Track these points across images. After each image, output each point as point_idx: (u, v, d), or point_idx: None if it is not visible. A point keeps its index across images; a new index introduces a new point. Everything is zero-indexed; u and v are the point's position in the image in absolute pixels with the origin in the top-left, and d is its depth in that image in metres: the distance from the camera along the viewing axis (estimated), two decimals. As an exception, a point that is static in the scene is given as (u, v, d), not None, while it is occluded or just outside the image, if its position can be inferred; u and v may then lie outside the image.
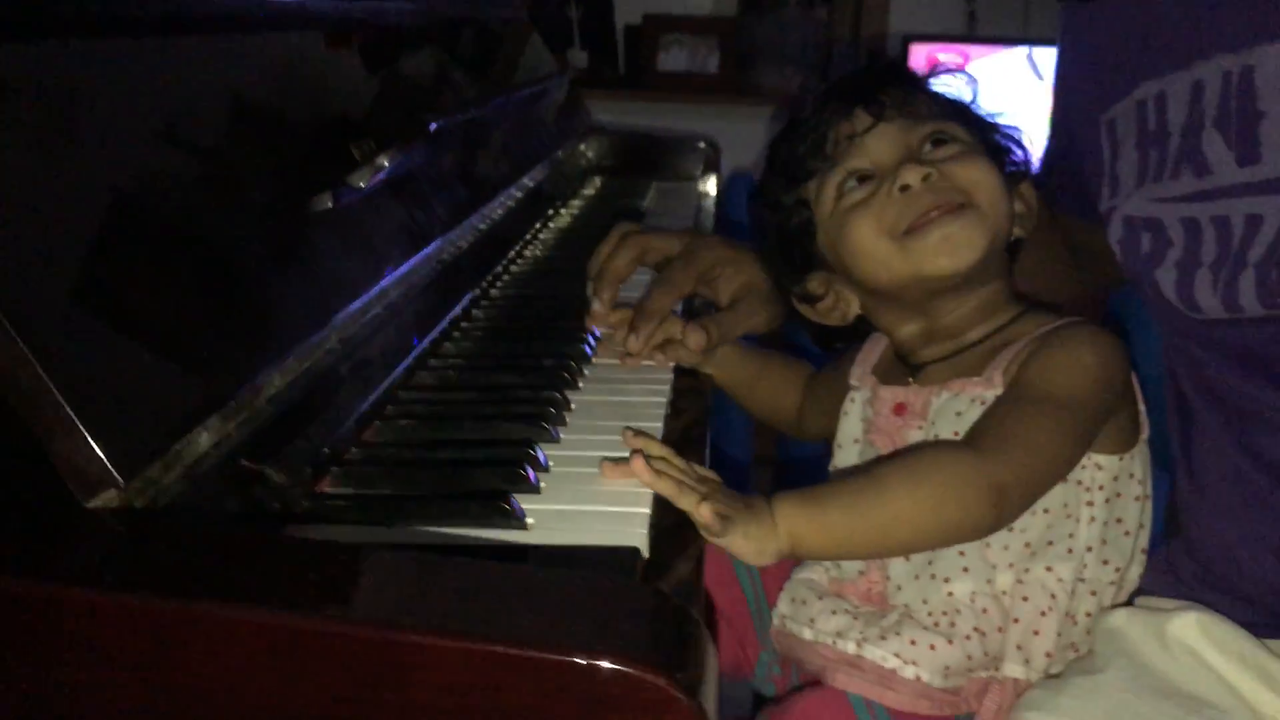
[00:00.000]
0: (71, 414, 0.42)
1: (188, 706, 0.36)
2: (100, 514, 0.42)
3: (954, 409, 0.72)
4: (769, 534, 0.63)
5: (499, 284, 1.07)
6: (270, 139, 0.76)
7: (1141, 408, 0.75)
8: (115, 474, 0.43)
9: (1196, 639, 0.68)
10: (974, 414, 0.71)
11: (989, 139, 0.78)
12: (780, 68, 2.74)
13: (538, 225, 1.31)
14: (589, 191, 1.65)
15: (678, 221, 1.52)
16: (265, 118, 0.77)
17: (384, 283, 0.78)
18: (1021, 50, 2.60)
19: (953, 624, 0.71)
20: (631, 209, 1.46)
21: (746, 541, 0.62)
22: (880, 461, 0.70)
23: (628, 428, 0.71)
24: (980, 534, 0.68)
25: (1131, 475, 0.73)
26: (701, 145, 1.90)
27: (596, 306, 0.92)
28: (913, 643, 0.71)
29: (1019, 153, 0.80)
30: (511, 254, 1.16)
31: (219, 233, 0.63)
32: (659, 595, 0.42)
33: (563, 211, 1.45)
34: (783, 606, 0.79)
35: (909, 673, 0.70)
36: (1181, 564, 0.77)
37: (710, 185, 1.80)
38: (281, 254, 0.68)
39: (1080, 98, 0.84)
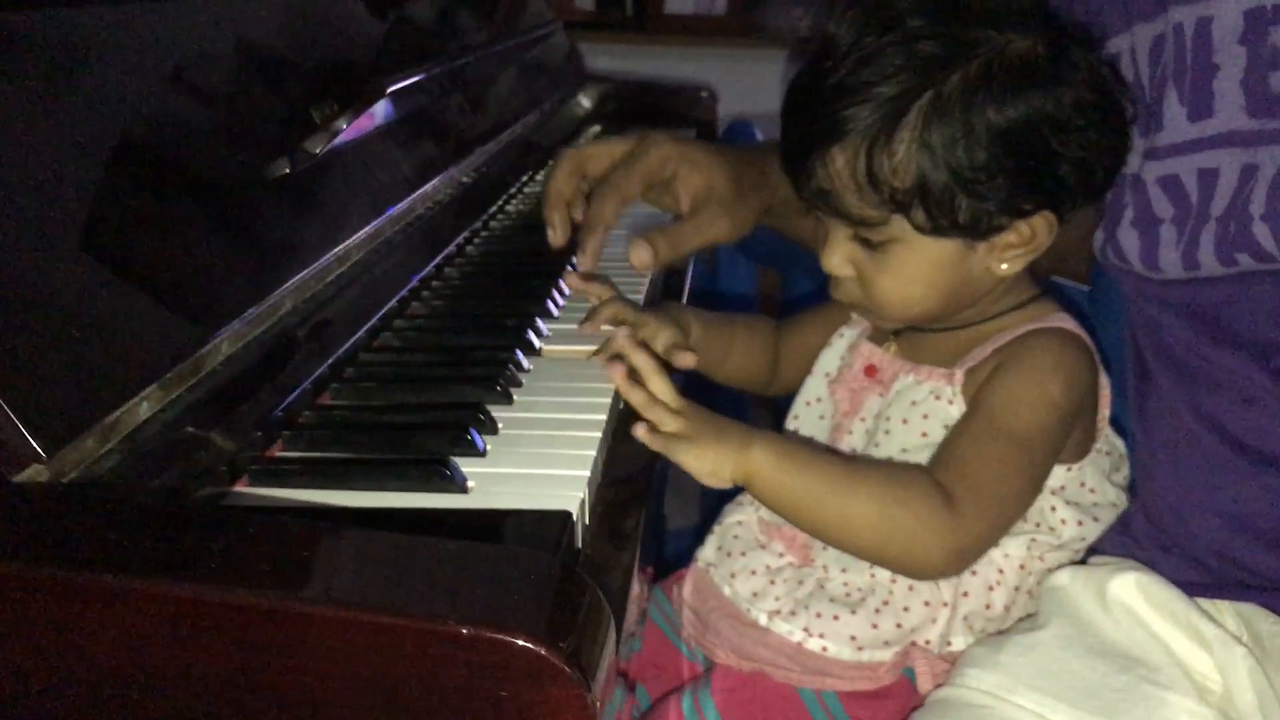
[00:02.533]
0: (-7, 389, 0.44)
1: (87, 677, 0.38)
2: (25, 488, 0.44)
3: (912, 396, 0.73)
4: (727, 459, 0.66)
5: (477, 240, 1.08)
6: (230, 100, 0.77)
7: (1104, 411, 0.74)
8: (38, 449, 0.44)
9: (1134, 598, 0.70)
10: (928, 407, 0.72)
11: (955, 204, 0.67)
12: (788, 9, 2.70)
13: (524, 178, 1.31)
14: (584, 142, 1.65)
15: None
16: (226, 77, 0.77)
17: (345, 244, 0.79)
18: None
19: (863, 598, 0.73)
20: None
21: (699, 463, 0.66)
22: (868, 460, 0.71)
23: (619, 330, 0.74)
24: (920, 578, 0.71)
25: (1083, 484, 0.74)
26: (703, 94, 1.89)
27: (550, 234, 0.90)
28: (819, 616, 0.73)
29: (1024, 194, 0.69)
30: (494, 209, 1.17)
31: (162, 198, 0.64)
32: (551, 563, 0.44)
33: (552, 163, 1.45)
34: (709, 553, 0.81)
35: (814, 645, 0.73)
36: (1136, 523, 0.78)
37: (707, 134, 1.80)
38: (234, 220, 0.70)
39: None
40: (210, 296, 0.63)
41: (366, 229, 0.83)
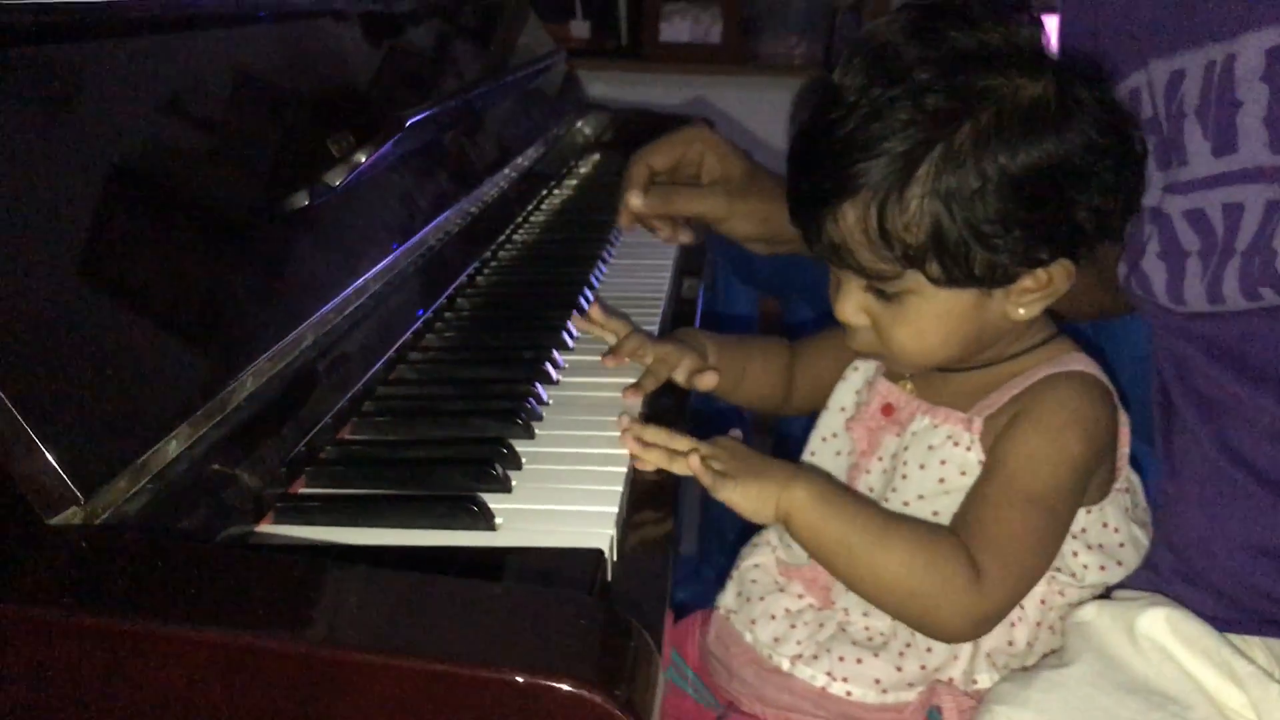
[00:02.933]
0: (30, 431, 0.43)
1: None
2: (63, 531, 0.43)
3: (929, 440, 0.72)
4: (770, 497, 0.68)
5: (486, 270, 1.08)
6: (247, 135, 0.77)
7: (1124, 450, 0.74)
8: (76, 491, 0.44)
9: (1164, 634, 0.69)
10: (945, 453, 0.71)
11: (970, 256, 0.66)
12: (783, 37, 2.72)
13: (530, 207, 1.31)
14: (585, 169, 1.65)
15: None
16: (241, 112, 0.77)
17: (364, 277, 0.79)
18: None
19: (886, 641, 0.73)
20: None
21: (744, 501, 0.68)
22: (903, 517, 0.71)
23: (623, 414, 0.74)
24: (936, 639, 0.71)
25: (1105, 524, 0.74)
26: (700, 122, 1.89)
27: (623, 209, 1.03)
28: (841, 659, 0.73)
29: (1043, 245, 0.67)
30: (501, 238, 1.16)
31: (188, 235, 0.63)
32: (598, 607, 0.43)
33: (556, 192, 1.45)
34: (729, 599, 0.80)
35: (838, 689, 0.72)
36: (1160, 557, 0.78)
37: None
38: (255, 254, 0.69)
39: None
40: (236, 333, 0.62)
41: (383, 262, 0.82)
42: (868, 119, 0.66)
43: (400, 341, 0.83)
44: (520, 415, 0.73)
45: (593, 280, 1.06)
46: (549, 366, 0.82)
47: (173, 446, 0.53)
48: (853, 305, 0.71)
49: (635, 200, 1.01)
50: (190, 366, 0.57)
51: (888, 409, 0.76)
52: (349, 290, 0.76)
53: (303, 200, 0.75)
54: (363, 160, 0.76)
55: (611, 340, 0.86)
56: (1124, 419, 0.73)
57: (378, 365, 0.78)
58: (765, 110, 2.90)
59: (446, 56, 1.21)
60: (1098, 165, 0.66)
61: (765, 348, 0.89)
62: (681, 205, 1.02)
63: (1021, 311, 0.70)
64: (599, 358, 0.85)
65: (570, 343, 0.89)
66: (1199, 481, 0.74)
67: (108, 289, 0.55)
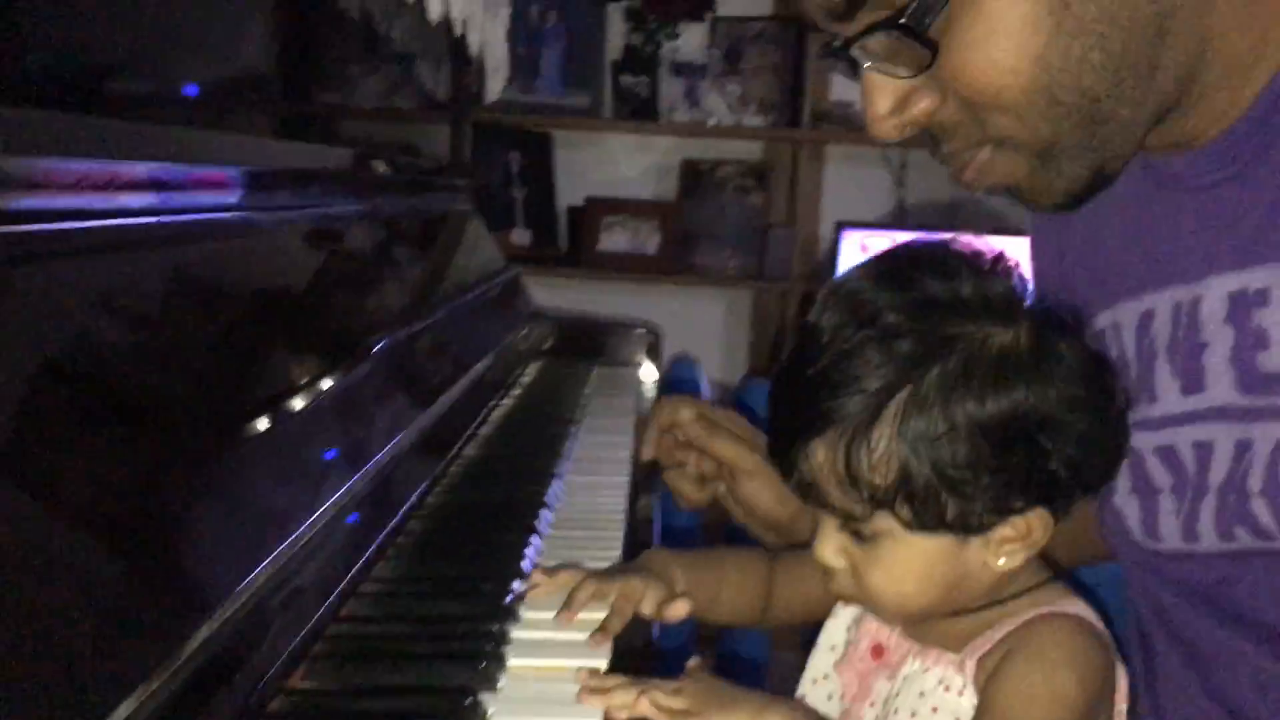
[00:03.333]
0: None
1: None
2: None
3: (920, 686, 0.70)
4: None
5: (438, 489, 1.05)
6: (202, 358, 0.74)
7: (1121, 705, 0.71)
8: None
9: None
10: (937, 699, 0.69)
11: (941, 501, 0.65)
12: (719, 250, 2.81)
13: (479, 419, 1.29)
14: (529, 377, 1.65)
15: (619, 407, 1.52)
16: (196, 334, 0.75)
17: (323, 507, 0.76)
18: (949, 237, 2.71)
19: None
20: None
21: None
22: None
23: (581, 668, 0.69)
24: None
25: None
26: (641, 331, 1.91)
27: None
28: None
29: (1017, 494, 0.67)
30: (452, 453, 1.14)
31: (140, 476, 0.60)
32: None
33: (504, 402, 1.44)
34: None
35: None
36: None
37: (651, 370, 1.82)
38: (212, 488, 0.66)
39: None
40: (192, 580, 0.58)
41: (341, 488, 0.79)
42: (839, 358, 0.66)
43: (352, 574, 0.78)
44: (484, 660, 0.69)
45: (548, 500, 1.04)
46: (511, 600, 0.78)
47: (122, 709, 0.49)
48: (831, 547, 0.69)
49: (686, 415, 0.95)
50: (142, 627, 0.53)
51: (878, 650, 0.74)
52: (305, 523, 0.72)
53: (262, 427, 0.72)
54: (326, 387, 0.74)
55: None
56: (1122, 671, 0.71)
57: (331, 598, 0.73)
58: (700, 319, 2.97)
59: (407, 274, 1.21)
60: (1072, 416, 0.66)
61: (741, 562, 0.85)
62: (720, 445, 0.93)
63: (1002, 561, 0.68)
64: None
65: (529, 570, 0.86)
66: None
67: (45, 540, 0.51)
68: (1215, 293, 0.68)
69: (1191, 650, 0.72)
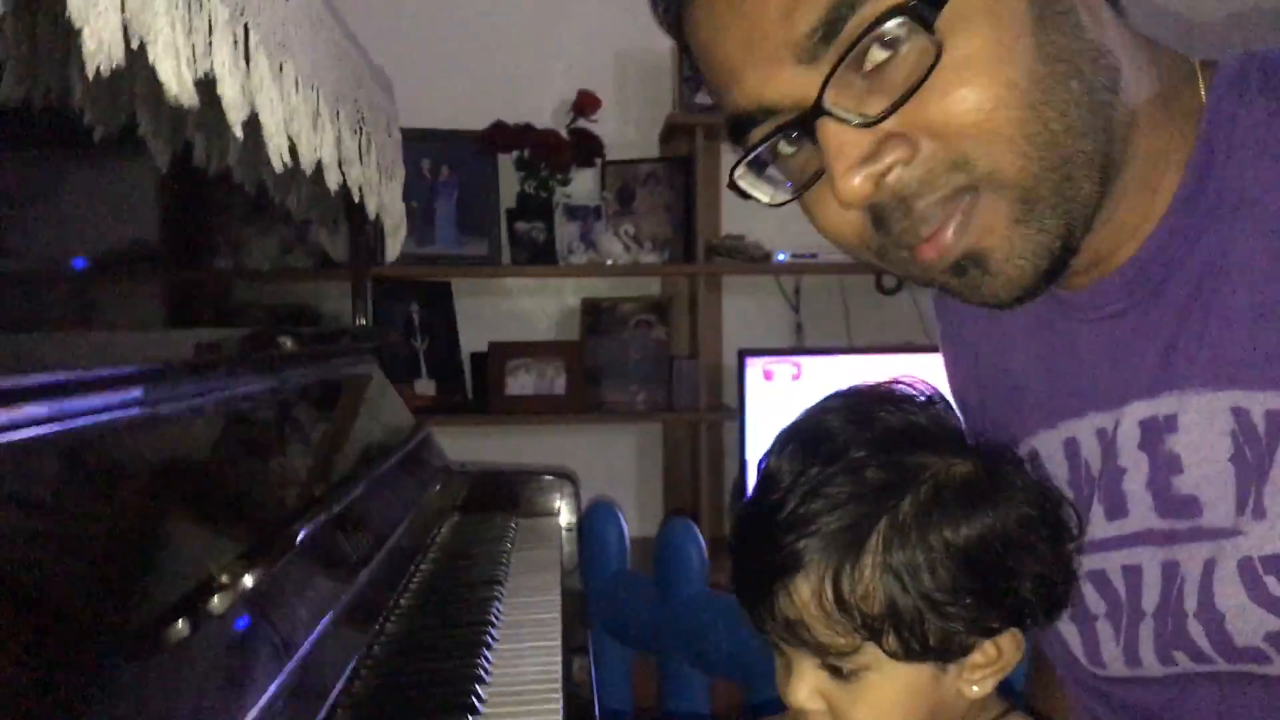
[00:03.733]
0: None
1: None
2: None
3: None
4: None
5: (364, 673, 1.00)
6: (112, 555, 0.71)
7: None
8: None
9: None
10: None
11: (926, 627, 0.67)
12: (626, 385, 2.82)
13: (399, 590, 1.25)
14: (443, 536, 1.61)
15: (542, 560, 1.49)
16: (104, 543, 0.71)
17: (249, 713, 0.71)
18: (848, 359, 2.77)
19: None
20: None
21: None
22: None
23: None
24: None
25: None
26: (552, 478, 1.89)
27: None
28: None
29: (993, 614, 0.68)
30: (375, 630, 1.10)
31: (38, 694, 0.56)
32: None
33: (422, 567, 1.40)
34: None
35: None
36: None
37: (570, 516, 1.79)
38: (127, 708, 0.61)
39: None
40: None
41: (269, 690, 0.75)
42: (808, 496, 0.68)
43: (283, 778, 0.74)
44: None
45: (481, 674, 1.00)
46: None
47: None
48: (807, 689, 0.69)
49: None
50: None
51: None
52: (232, 733, 0.68)
53: (182, 634, 0.68)
54: (250, 584, 0.71)
55: None
56: None
57: (261, 815, 0.69)
58: (612, 455, 2.95)
59: (317, 445, 1.18)
60: (1033, 537, 0.69)
61: None
62: None
63: (975, 689, 0.70)
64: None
65: (469, 758, 0.82)
66: None
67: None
68: (1129, 419, 0.70)
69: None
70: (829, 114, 0.59)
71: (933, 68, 0.57)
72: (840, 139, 0.59)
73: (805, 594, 0.67)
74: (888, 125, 0.59)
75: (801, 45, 0.58)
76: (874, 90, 0.59)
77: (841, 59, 0.58)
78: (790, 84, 0.60)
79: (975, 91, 0.57)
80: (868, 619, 0.66)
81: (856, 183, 0.59)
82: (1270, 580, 0.63)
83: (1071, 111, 0.59)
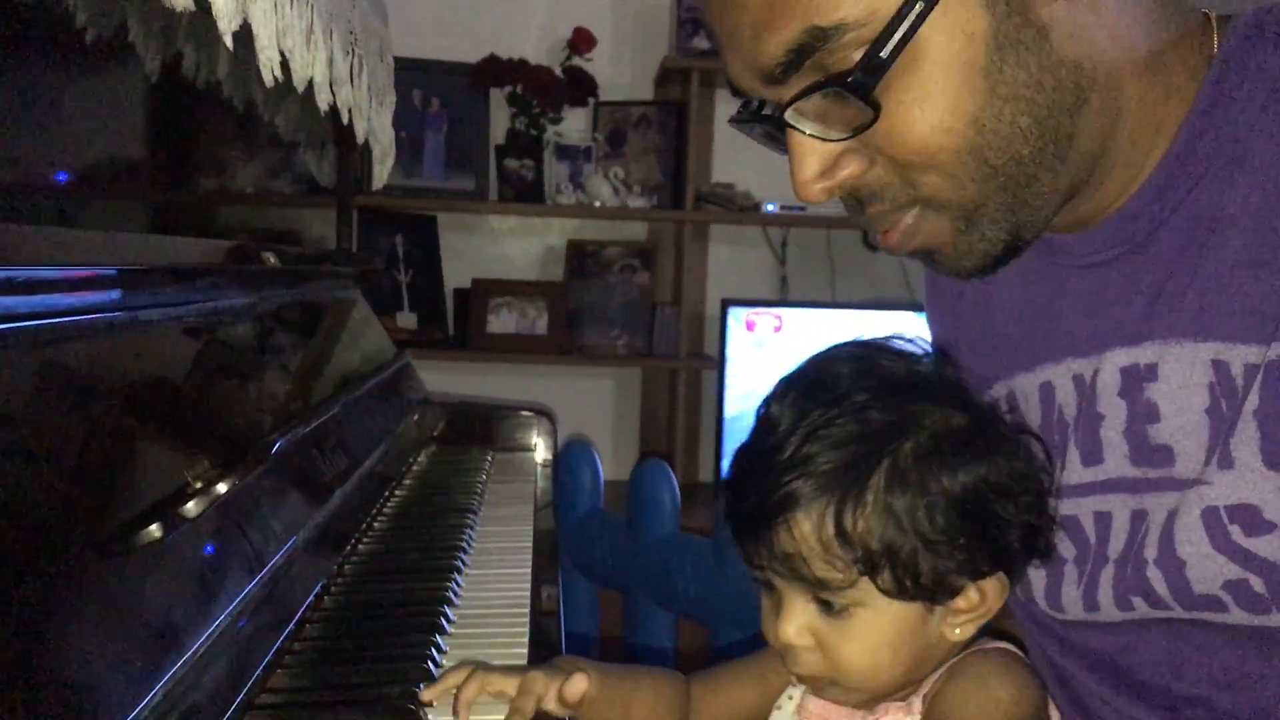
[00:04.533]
0: None
1: None
2: None
3: None
4: None
5: (334, 589, 1.01)
6: (86, 461, 0.71)
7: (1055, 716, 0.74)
8: None
9: None
10: None
11: (919, 566, 0.68)
12: (607, 329, 2.82)
13: (373, 513, 1.26)
14: (420, 465, 1.62)
15: (516, 493, 1.50)
16: (76, 445, 0.71)
17: (218, 618, 0.72)
18: (831, 312, 2.78)
19: None
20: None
21: None
22: None
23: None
24: None
25: None
26: (535, 415, 1.89)
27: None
28: None
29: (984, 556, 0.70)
30: (347, 549, 1.10)
31: (9, 594, 0.56)
32: None
33: (397, 493, 1.40)
34: None
35: None
36: None
37: (546, 453, 1.80)
38: (100, 604, 0.62)
39: None
40: (75, 710, 0.54)
41: (238, 596, 0.76)
42: (810, 437, 0.69)
43: (251, 682, 0.75)
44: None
45: (450, 596, 1.01)
46: (417, 708, 0.76)
47: None
48: (797, 625, 0.70)
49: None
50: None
51: None
52: (201, 637, 0.69)
53: (155, 535, 0.68)
54: (223, 491, 0.71)
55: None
56: (1054, 709, 0.73)
57: (229, 715, 0.70)
58: (590, 398, 2.97)
59: (296, 367, 1.18)
60: (1020, 488, 0.70)
61: (657, 679, 0.84)
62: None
63: (957, 632, 0.72)
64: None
65: (435, 673, 0.83)
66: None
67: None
68: (1109, 367, 0.71)
69: (1095, 719, 0.73)
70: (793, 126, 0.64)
71: (872, 123, 0.62)
72: (802, 148, 0.65)
73: (806, 528, 0.68)
74: (847, 141, 0.64)
75: (766, 70, 0.63)
76: (836, 108, 0.63)
77: (798, 98, 0.63)
78: (762, 90, 0.66)
79: (917, 135, 0.62)
80: (866, 554, 0.67)
81: (814, 190, 0.65)
82: (1234, 529, 0.64)
83: (1018, 146, 0.63)
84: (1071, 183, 0.67)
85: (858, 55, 0.60)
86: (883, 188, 0.66)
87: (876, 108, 0.61)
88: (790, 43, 0.61)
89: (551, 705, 0.76)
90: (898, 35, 0.59)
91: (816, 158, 0.64)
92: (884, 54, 0.59)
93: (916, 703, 0.71)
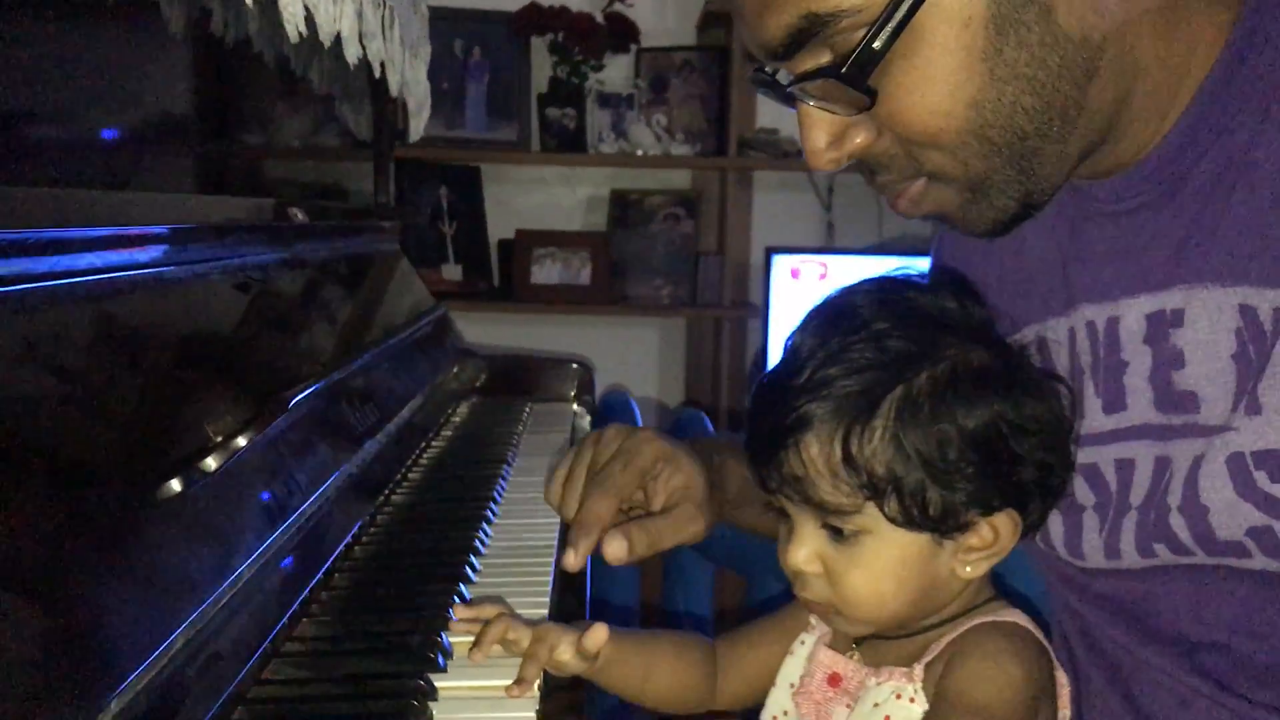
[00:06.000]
0: None
1: None
2: None
3: (874, 698, 0.71)
4: None
5: (365, 539, 1.04)
6: (109, 413, 0.73)
7: (1064, 713, 0.73)
8: None
9: None
10: (890, 708, 0.70)
11: (927, 495, 0.68)
12: (651, 279, 2.82)
13: (408, 464, 1.28)
14: (459, 417, 1.64)
15: (551, 444, 1.52)
16: (101, 387, 0.73)
17: (240, 568, 0.74)
18: (877, 260, 2.75)
19: None
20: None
21: None
22: None
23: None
24: None
25: None
26: (574, 366, 1.91)
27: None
28: None
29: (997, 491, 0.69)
30: (380, 500, 1.13)
31: (43, 539, 0.58)
32: None
33: (434, 444, 1.43)
34: None
35: None
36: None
37: (585, 406, 1.81)
38: (121, 554, 0.64)
39: None
40: (100, 653, 0.57)
41: (261, 545, 0.78)
42: (827, 361, 0.69)
43: (276, 631, 0.77)
44: (410, 718, 0.68)
45: (478, 545, 1.03)
46: (437, 655, 0.78)
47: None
48: (806, 550, 0.71)
49: (618, 552, 0.82)
50: (50, 700, 0.51)
51: (834, 678, 0.74)
52: (223, 586, 0.71)
53: (175, 488, 0.71)
54: (243, 444, 0.73)
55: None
56: (1063, 679, 0.72)
57: (252, 662, 0.72)
58: (634, 348, 2.97)
59: (328, 318, 1.20)
60: (1037, 427, 0.69)
61: (678, 642, 0.84)
62: (667, 542, 0.85)
63: (968, 569, 0.71)
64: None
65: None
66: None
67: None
68: (1134, 313, 0.70)
69: (1114, 666, 0.73)
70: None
71: (869, 108, 0.63)
72: (811, 119, 0.66)
73: (814, 451, 0.68)
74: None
75: (770, 48, 0.64)
76: (838, 89, 0.63)
77: (800, 79, 0.64)
78: (771, 63, 0.67)
79: (916, 118, 0.63)
80: (872, 480, 0.67)
81: (824, 159, 0.66)
82: (1260, 475, 0.63)
83: (1021, 123, 0.63)
84: (1084, 146, 0.66)
85: (859, 35, 0.60)
86: (890, 159, 0.67)
87: (871, 94, 0.62)
88: (788, 26, 0.62)
89: (568, 656, 0.77)
90: (894, 22, 0.59)
91: (826, 128, 0.65)
92: (878, 44, 0.60)
93: (918, 669, 0.70)
